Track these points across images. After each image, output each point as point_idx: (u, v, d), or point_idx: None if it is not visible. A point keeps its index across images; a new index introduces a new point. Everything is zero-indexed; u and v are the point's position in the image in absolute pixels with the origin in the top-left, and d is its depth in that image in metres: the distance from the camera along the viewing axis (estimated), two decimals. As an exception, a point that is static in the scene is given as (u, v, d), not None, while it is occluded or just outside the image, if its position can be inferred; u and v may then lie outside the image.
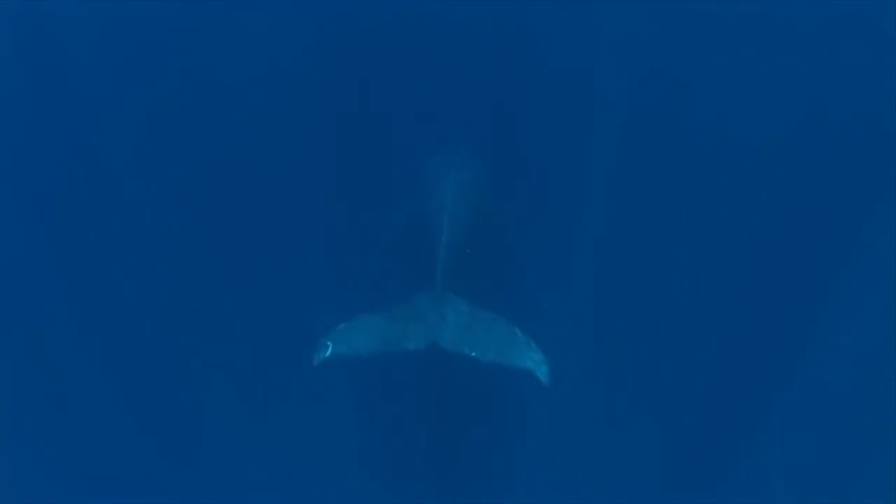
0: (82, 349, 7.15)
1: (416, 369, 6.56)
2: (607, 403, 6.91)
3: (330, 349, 6.28)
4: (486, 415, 6.86)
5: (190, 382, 7.00)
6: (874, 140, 7.38)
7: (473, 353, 6.24)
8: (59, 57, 7.95)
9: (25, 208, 7.62)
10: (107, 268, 7.41)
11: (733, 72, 7.76)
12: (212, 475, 6.77)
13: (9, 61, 8.02)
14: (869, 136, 7.39)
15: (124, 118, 7.73)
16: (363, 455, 6.78)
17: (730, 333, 6.90)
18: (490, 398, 6.83)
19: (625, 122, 7.51)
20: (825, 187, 7.31)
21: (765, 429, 6.77)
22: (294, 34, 7.81)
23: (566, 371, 6.30)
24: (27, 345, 7.18)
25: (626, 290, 7.08)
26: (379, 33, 8.09)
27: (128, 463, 6.83)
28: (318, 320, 6.41)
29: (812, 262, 7.13)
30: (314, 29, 7.86)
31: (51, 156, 7.75)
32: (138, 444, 6.89)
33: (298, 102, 7.72)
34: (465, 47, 8.06)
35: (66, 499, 6.70)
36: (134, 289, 7.29)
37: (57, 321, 7.22)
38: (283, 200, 7.43)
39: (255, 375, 6.98)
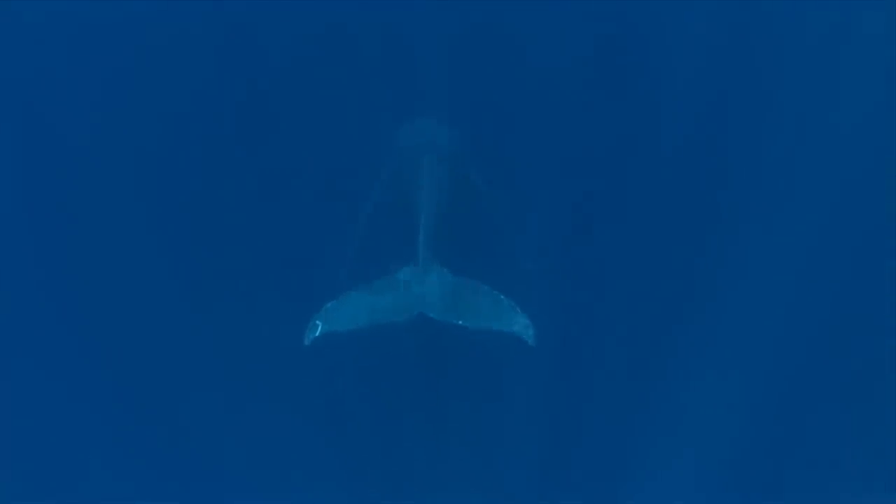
0: (70, 340, 7.20)
1: (405, 340, 6.70)
2: (594, 367, 7.06)
3: (320, 328, 6.38)
4: (477, 382, 7.03)
5: (173, 371, 7.06)
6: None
7: (461, 321, 6.35)
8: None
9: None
10: (90, 259, 7.44)
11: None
12: (210, 464, 6.87)
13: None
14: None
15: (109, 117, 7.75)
16: (360, 431, 6.95)
17: (711, 295, 7.08)
18: (480, 364, 6.99)
19: (598, 94, 7.59)
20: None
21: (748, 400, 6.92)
22: (266, 18, 7.77)
23: (552, 334, 6.46)
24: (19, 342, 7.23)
25: (607, 254, 7.20)
26: (349, 8, 8.02)
27: (123, 459, 6.93)
28: (305, 300, 6.50)
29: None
30: (284, 12, 7.80)
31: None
32: (131, 438, 6.97)
33: (270, 83, 7.72)
34: (438, 17, 8.02)
35: (65, 498, 6.77)
36: (116, 283, 7.32)
37: (48, 317, 7.28)
38: (260, 182, 7.50)
39: (245, 361, 7.08)
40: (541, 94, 7.74)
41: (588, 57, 7.75)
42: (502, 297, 6.41)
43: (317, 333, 6.39)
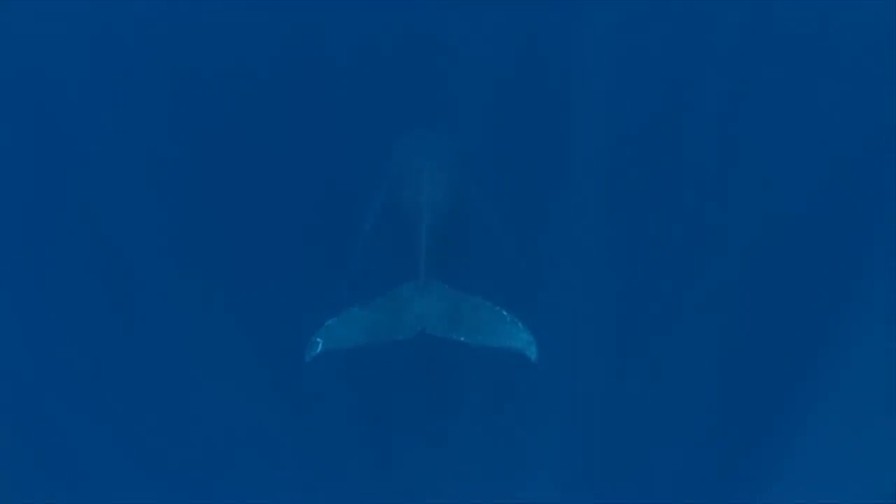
0: (70, 347, 7.17)
1: (407, 358, 6.65)
2: (596, 384, 7.03)
3: (320, 345, 6.34)
4: (480, 398, 7.00)
5: (173, 384, 7.06)
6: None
7: (462, 338, 6.30)
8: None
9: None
10: (94, 267, 7.39)
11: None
12: (209, 474, 6.87)
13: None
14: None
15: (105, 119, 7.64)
16: (362, 448, 6.93)
17: (710, 311, 7.04)
18: (483, 381, 6.95)
19: (598, 105, 7.49)
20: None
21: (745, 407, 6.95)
22: (262, 27, 7.67)
23: (555, 350, 6.43)
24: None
25: (609, 268, 7.16)
26: (348, 19, 7.92)
27: (122, 463, 6.91)
28: (305, 317, 6.45)
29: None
30: (283, 22, 7.71)
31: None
32: (130, 443, 6.97)
33: (269, 96, 7.63)
34: (436, 29, 7.96)
35: (65, 499, 6.78)
36: (116, 292, 7.30)
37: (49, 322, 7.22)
38: (259, 197, 7.44)
39: (245, 377, 7.03)
40: (543, 107, 7.68)
41: (589, 67, 7.67)
42: (504, 313, 6.36)
43: (317, 351, 6.34)
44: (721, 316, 7.05)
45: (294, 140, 7.65)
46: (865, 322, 6.90)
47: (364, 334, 6.37)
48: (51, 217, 7.52)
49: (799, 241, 7.24)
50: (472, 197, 7.18)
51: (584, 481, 6.84)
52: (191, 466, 6.97)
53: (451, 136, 7.36)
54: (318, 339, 6.36)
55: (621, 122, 7.49)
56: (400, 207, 6.79)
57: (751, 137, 7.74)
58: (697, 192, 7.44)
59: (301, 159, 7.59)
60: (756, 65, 7.88)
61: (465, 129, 7.46)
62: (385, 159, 7.33)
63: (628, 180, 7.42)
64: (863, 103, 7.50)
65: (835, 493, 6.58)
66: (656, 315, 7.12)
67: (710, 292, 7.13)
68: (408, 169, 7.00)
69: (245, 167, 7.65)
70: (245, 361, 7.07)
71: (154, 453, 7.01)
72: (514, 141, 7.69)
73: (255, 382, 7.04)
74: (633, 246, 7.27)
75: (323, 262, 7.23)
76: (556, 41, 7.89)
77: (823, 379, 6.92)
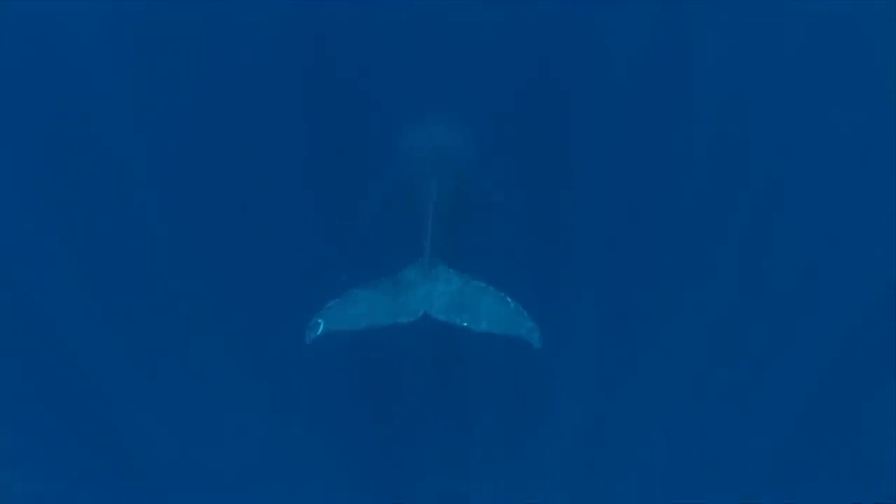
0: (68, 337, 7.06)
1: (409, 342, 6.58)
2: (600, 372, 7.01)
3: (322, 326, 6.28)
4: (481, 384, 6.95)
5: (176, 368, 7.01)
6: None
7: (465, 323, 6.25)
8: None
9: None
10: (94, 256, 7.30)
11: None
12: (211, 462, 6.82)
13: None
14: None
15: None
16: (362, 432, 6.87)
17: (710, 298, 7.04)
18: (484, 367, 6.90)
19: (605, 90, 7.47)
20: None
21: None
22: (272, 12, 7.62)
23: (557, 337, 6.39)
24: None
25: (614, 256, 7.13)
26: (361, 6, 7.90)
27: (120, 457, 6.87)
28: (308, 298, 6.37)
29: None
30: (289, 11, 7.67)
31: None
32: (130, 435, 6.92)
33: (280, 78, 7.57)
34: (446, 14, 7.95)
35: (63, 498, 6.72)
36: (119, 277, 7.23)
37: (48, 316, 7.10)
38: (267, 177, 7.37)
39: (247, 358, 6.97)
40: (548, 96, 7.68)
41: (600, 60, 7.67)
42: (508, 299, 6.32)
43: (318, 332, 6.27)
44: (724, 308, 7.04)
45: (303, 123, 7.60)
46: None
47: (366, 317, 6.31)
48: (53, 213, 7.38)
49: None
50: (480, 183, 7.14)
51: (585, 474, 6.80)
52: (184, 449, 6.92)
53: (460, 123, 7.32)
54: (319, 320, 6.29)
55: (623, 115, 7.45)
56: (408, 191, 6.75)
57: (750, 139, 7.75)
58: (697, 189, 7.39)
59: (310, 142, 7.53)
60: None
61: (474, 116, 7.43)
62: (394, 144, 7.29)
63: (633, 171, 7.38)
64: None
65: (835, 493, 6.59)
66: (662, 303, 7.07)
67: (711, 284, 7.11)
68: (417, 154, 6.98)
69: (254, 150, 7.57)
70: (245, 343, 7.00)
71: (146, 439, 6.95)
72: (522, 129, 7.65)
73: (255, 365, 6.98)
74: (638, 236, 7.22)
75: (328, 244, 7.17)
76: (560, 33, 7.89)
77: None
